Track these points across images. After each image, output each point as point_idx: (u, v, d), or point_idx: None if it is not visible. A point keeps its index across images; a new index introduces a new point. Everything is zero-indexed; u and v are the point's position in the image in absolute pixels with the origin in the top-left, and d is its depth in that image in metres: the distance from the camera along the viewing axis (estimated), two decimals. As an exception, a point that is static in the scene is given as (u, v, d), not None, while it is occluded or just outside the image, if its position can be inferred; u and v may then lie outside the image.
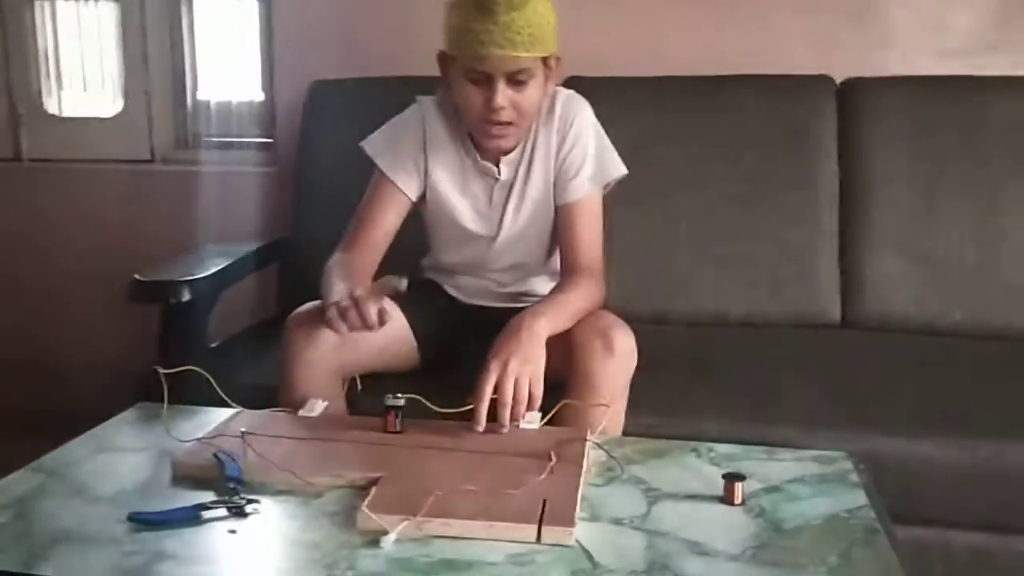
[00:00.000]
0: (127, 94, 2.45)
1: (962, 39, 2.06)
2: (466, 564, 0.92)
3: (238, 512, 1.01)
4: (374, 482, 1.07)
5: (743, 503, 1.07)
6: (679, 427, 1.44)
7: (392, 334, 1.48)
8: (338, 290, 1.32)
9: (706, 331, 1.87)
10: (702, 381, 1.56)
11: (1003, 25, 2.05)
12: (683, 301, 1.92)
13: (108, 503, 1.05)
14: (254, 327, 1.89)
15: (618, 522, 1.03)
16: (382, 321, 1.24)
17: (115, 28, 2.44)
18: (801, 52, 2.07)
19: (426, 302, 1.58)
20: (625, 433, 1.36)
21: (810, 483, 1.14)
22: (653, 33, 2.13)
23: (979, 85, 1.95)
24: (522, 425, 1.25)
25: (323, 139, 2.05)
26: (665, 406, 1.47)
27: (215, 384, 1.24)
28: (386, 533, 0.96)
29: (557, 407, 1.27)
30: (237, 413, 1.29)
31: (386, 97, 1.68)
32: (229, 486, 1.06)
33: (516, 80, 1.37)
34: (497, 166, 1.50)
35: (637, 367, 1.34)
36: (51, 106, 2.52)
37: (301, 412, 1.29)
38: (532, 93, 1.40)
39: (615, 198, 1.61)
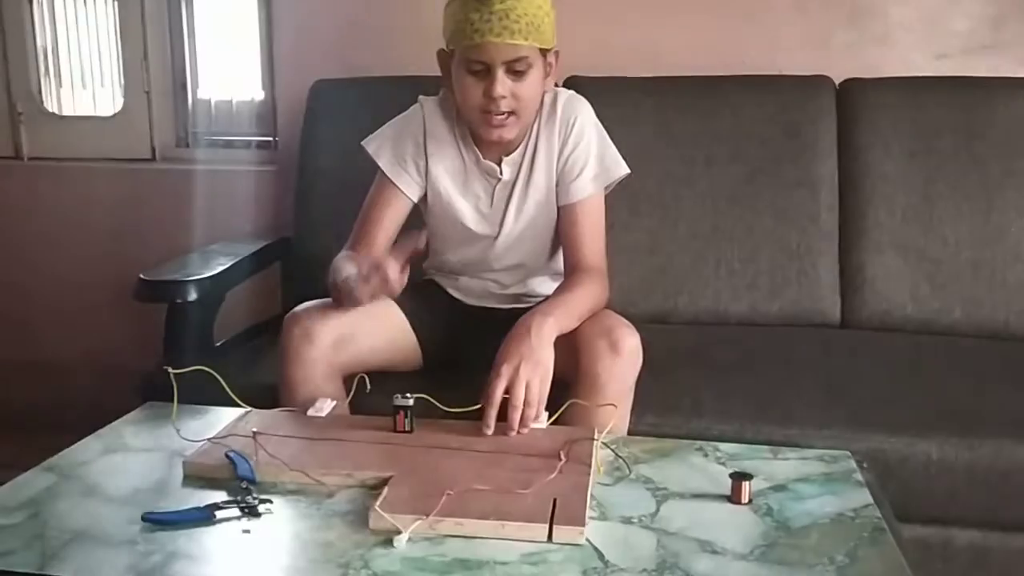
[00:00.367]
0: (127, 92, 2.44)
1: (960, 40, 2.08)
2: (479, 563, 0.94)
3: (251, 512, 1.02)
4: (385, 481, 1.08)
5: (750, 502, 1.08)
6: (682, 427, 1.46)
7: (392, 332, 1.49)
8: (349, 268, 1.32)
9: (707, 331, 1.88)
10: (704, 381, 1.57)
11: (1000, 26, 2.07)
12: (684, 301, 1.93)
13: (121, 503, 1.06)
14: (257, 326, 1.90)
15: (627, 521, 1.04)
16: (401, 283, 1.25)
17: (115, 26, 2.43)
18: (800, 53, 2.08)
19: (428, 303, 1.59)
20: (630, 433, 1.37)
21: (815, 482, 1.15)
22: (653, 34, 2.14)
23: (977, 86, 1.96)
24: (530, 425, 1.26)
25: (325, 138, 2.05)
26: (668, 406, 1.48)
27: (225, 385, 1.25)
28: (399, 532, 0.97)
29: (564, 406, 1.28)
30: (246, 413, 1.30)
31: (389, 97, 1.69)
32: (242, 486, 1.07)
33: (515, 70, 1.38)
34: (499, 166, 1.51)
35: (641, 367, 1.35)
36: (50, 104, 2.51)
37: (310, 412, 1.29)
38: (531, 84, 1.40)
39: (615, 198, 1.62)
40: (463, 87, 1.41)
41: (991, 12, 2.07)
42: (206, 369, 1.23)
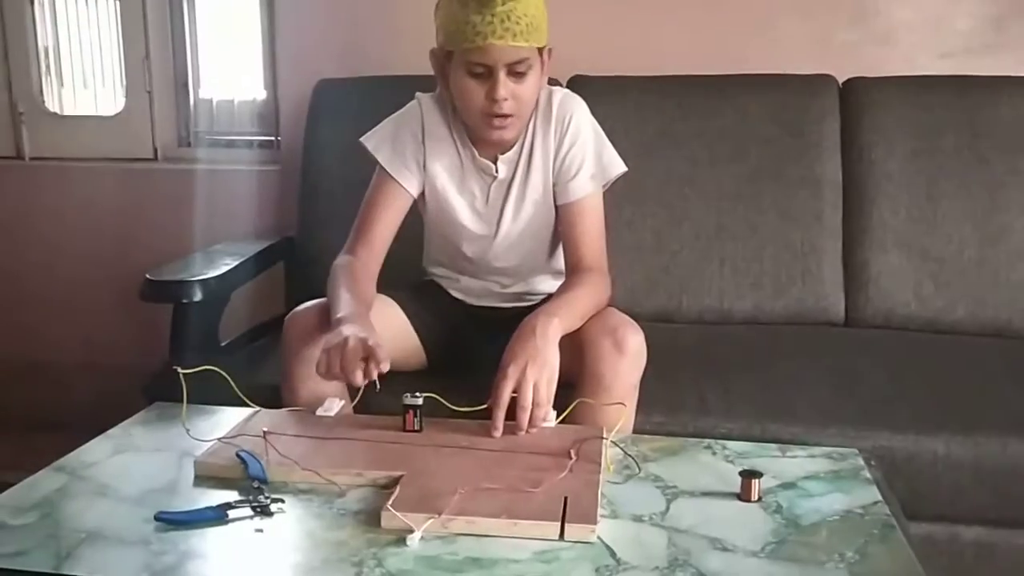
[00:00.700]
0: (129, 92, 2.44)
1: (962, 39, 2.09)
2: (492, 562, 0.94)
3: (263, 511, 1.02)
4: (396, 481, 1.09)
5: (760, 500, 1.09)
6: (689, 425, 1.47)
7: (394, 332, 1.49)
8: (339, 323, 1.29)
9: (711, 330, 1.88)
10: (710, 379, 1.57)
11: (1002, 26, 2.08)
12: (688, 300, 1.94)
13: (133, 503, 1.06)
14: (261, 326, 1.90)
15: (638, 519, 1.04)
16: (369, 375, 1.21)
17: (116, 25, 2.43)
18: (803, 53, 2.09)
19: (429, 304, 1.59)
20: (636, 431, 1.37)
21: (824, 480, 1.15)
22: (656, 33, 2.14)
23: (980, 85, 1.97)
24: (539, 425, 1.26)
25: (329, 138, 2.05)
26: (675, 404, 1.49)
27: (234, 385, 1.25)
28: (411, 531, 0.97)
29: (572, 405, 1.29)
30: (254, 413, 1.30)
31: (392, 96, 1.69)
32: (253, 485, 1.07)
33: (516, 71, 1.37)
34: (495, 164, 1.50)
35: (646, 365, 1.35)
36: (52, 104, 2.51)
37: (319, 411, 1.30)
38: (531, 84, 1.40)
39: (619, 197, 1.63)
40: (464, 89, 1.40)
41: (993, 11, 2.07)
42: (216, 369, 1.23)
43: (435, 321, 1.57)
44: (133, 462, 1.19)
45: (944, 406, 1.50)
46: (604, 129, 1.53)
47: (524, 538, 0.98)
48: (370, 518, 1.02)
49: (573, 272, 1.48)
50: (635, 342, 1.32)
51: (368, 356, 1.22)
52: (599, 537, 0.98)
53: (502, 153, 1.50)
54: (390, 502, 1.01)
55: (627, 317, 1.37)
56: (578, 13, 2.04)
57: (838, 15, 2.11)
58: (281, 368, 1.38)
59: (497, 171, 1.51)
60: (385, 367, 1.21)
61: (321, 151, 2.07)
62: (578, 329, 1.36)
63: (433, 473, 1.10)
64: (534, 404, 1.23)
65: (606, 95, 1.92)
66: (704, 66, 2.04)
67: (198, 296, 1.61)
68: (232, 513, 1.02)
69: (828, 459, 1.22)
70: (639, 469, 1.17)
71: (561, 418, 1.28)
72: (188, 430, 1.20)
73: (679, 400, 1.50)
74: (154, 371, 1.56)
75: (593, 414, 1.29)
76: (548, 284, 1.60)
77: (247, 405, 1.30)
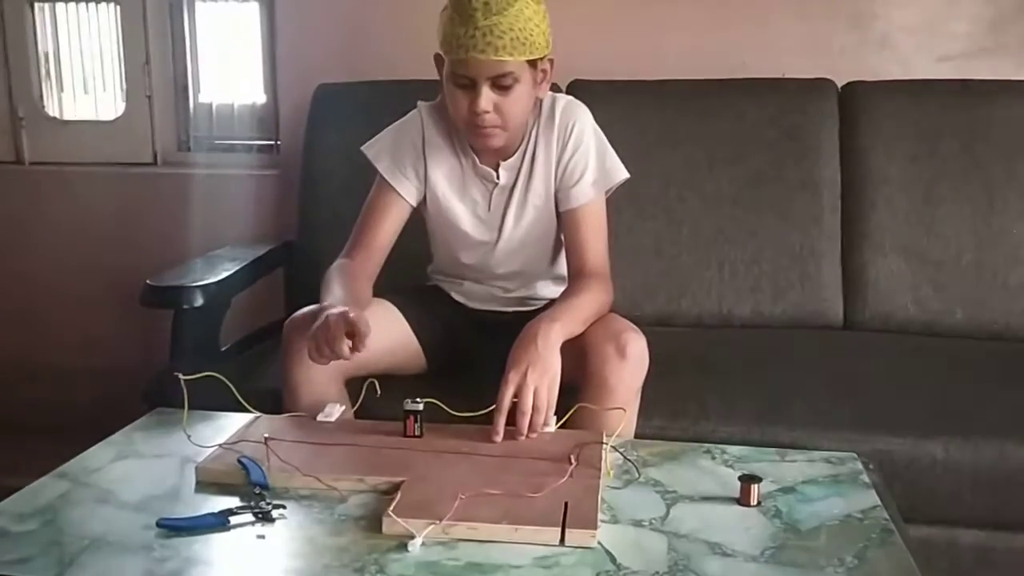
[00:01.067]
0: (129, 97, 2.44)
1: (960, 43, 2.09)
2: (493, 567, 0.94)
3: (265, 518, 1.03)
4: (397, 486, 1.09)
5: (759, 504, 1.09)
6: (689, 430, 1.47)
7: (394, 336, 1.50)
8: (322, 313, 1.30)
9: (710, 333, 1.89)
10: (709, 383, 1.57)
11: (1000, 29, 2.08)
12: (687, 304, 1.94)
13: (135, 509, 1.06)
14: (261, 331, 1.90)
15: (638, 524, 1.05)
16: (357, 348, 1.24)
17: (116, 30, 2.44)
18: (802, 57, 2.09)
19: (430, 308, 1.60)
20: (636, 436, 1.38)
21: (823, 484, 1.16)
22: (656, 37, 2.15)
23: (978, 88, 1.97)
24: (539, 430, 1.27)
25: (329, 142, 2.05)
26: (674, 409, 1.49)
27: (235, 391, 1.25)
28: (412, 537, 0.98)
29: (572, 410, 1.29)
30: (255, 418, 1.30)
31: (392, 101, 1.70)
32: (255, 491, 1.07)
33: (500, 84, 1.38)
34: (496, 171, 1.51)
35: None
36: (52, 109, 2.51)
37: (320, 417, 1.30)
38: (517, 98, 1.40)
39: (618, 201, 1.63)
40: (451, 97, 1.42)
41: (991, 15, 2.08)
42: (217, 375, 1.23)
43: (435, 325, 1.57)
44: (135, 468, 1.19)
45: (942, 410, 1.50)
46: (603, 133, 1.53)
47: (525, 543, 0.98)
48: (371, 524, 1.02)
49: (576, 278, 1.48)
50: (637, 347, 1.33)
51: (351, 331, 1.23)
52: (599, 542, 0.99)
53: (503, 159, 1.51)
54: (391, 508, 1.02)
55: (629, 322, 1.38)
56: (577, 18, 2.04)
57: (837, 19, 2.11)
58: (281, 372, 1.39)
59: (498, 177, 1.51)
60: (367, 332, 1.23)
61: (321, 155, 2.08)
62: (581, 334, 1.37)
63: (434, 479, 1.11)
64: (534, 409, 1.24)
65: (605, 99, 1.91)
66: (703, 70, 2.05)
67: (199, 301, 1.62)
68: (234, 519, 1.02)
69: (827, 463, 1.22)
70: (639, 474, 1.17)
71: (561, 423, 1.28)
72: (189, 436, 1.21)
73: (678, 404, 1.50)
74: (154, 376, 1.56)
75: (594, 419, 1.29)
76: (550, 289, 1.60)
77: (248, 411, 1.31)
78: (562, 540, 0.99)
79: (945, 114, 1.95)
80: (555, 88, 1.85)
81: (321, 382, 1.36)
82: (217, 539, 1.00)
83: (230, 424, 1.29)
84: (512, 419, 1.24)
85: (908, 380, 1.62)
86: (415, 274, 1.72)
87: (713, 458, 1.24)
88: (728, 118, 1.99)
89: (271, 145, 2.43)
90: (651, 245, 1.95)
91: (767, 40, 2.12)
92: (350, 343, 1.23)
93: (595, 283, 1.45)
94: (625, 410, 1.28)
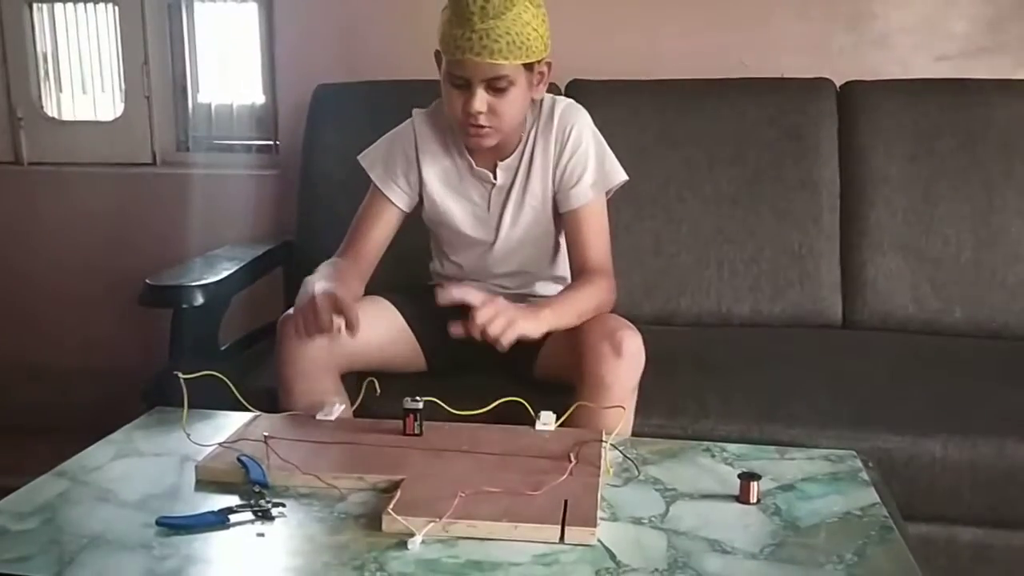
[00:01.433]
0: (127, 97, 2.44)
1: (958, 42, 2.09)
2: (493, 565, 0.94)
3: (265, 516, 1.03)
4: (396, 484, 1.09)
5: (758, 502, 1.10)
6: (688, 428, 1.47)
7: (390, 332, 1.51)
8: (307, 292, 1.33)
9: (710, 332, 1.89)
10: (708, 382, 1.57)
11: (998, 29, 2.09)
12: (686, 303, 1.94)
13: (135, 508, 1.06)
14: (260, 330, 1.90)
15: (638, 522, 1.05)
16: (350, 328, 1.26)
17: (115, 30, 2.44)
18: (801, 56, 2.10)
19: (429, 306, 1.59)
20: (635, 434, 1.38)
21: (822, 482, 1.16)
22: (654, 37, 2.15)
23: (976, 88, 1.97)
24: (538, 427, 1.27)
25: (328, 142, 2.05)
26: (673, 407, 1.49)
27: (235, 390, 1.26)
28: (412, 535, 0.98)
29: (572, 408, 1.29)
30: (255, 417, 1.30)
31: (391, 101, 1.71)
32: (254, 490, 1.07)
33: (495, 87, 1.39)
34: (493, 171, 1.52)
35: (644, 368, 1.36)
36: (51, 110, 2.51)
37: (319, 415, 1.30)
38: (512, 100, 1.41)
39: (617, 201, 1.63)
40: (446, 95, 1.44)
41: (989, 14, 2.08)
42: (216, 374, 1.24)
43: (434, 324, 1.57)
44: (134, 467, 1.19)
45: (941, 408, 1.50)
46: (602, 133, 1.54)
47: (525, 541, 0.98)
48: (371, 522, 1.02)
49: (578, 275, 1.50)
50: (633, 345, 1.33)
51: (339, 310, 1.25)
52: (599, 540, 0.99)
53: (501, 160, 1.52)
54: (391, 506, 1.02)
55: (625, 321, 1.38)
56: (576, 18, 2.04)
57: (835, 19, 2.11)
58: (276, 369, 1.39)
59: (495, 178, 1.52)
60: (353, 313, 1.26)
61: (320, 155, 2.08)
62: (577, 333, 1.37)
63: (434, 477, 1.11)
64: (488, 326, 1.24)
65: (604, 99, 1.93)
66: (702, 70, 2.05)
67: (198, 301, 1.62)
68: (233, 517, 1.02)
69: (826, 461, 1.23)
70: (638, 472, 1.17)
71: (560, 421, 1.28)
72: (189, 435, 1.21)
73: (678, 403, 1.50)
74: (153, 376, 1.56)
75: (592, 417, 1.30)
76: (549, 289, 1.61)
77: (247, 409, 1.31)
78: (562, 538, 0.99)
79: (944, 113, 1.95)
80: (554, 89, 1.86)
81: (315, 376, 1.37)
82: (217, 537, 1.00)
83: (229, 423, 1.29)
84: (513, 419, 1.24)
85: (907, 378, 1.62)
86: (415, 274, 1.72)
87: (712, 456, 1.24)
88: (727, 118, 1.99)
89: (270, 145, 2.43)
90: (650, 244, 1.95)
91: (766, 40, 2.12)
92: (340, 323, 1.26)
93: (596, 279, 1.46)
94: (624, 408, 1.28)
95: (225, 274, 1.73)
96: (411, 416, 1.24)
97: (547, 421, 1.28)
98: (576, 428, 1.28)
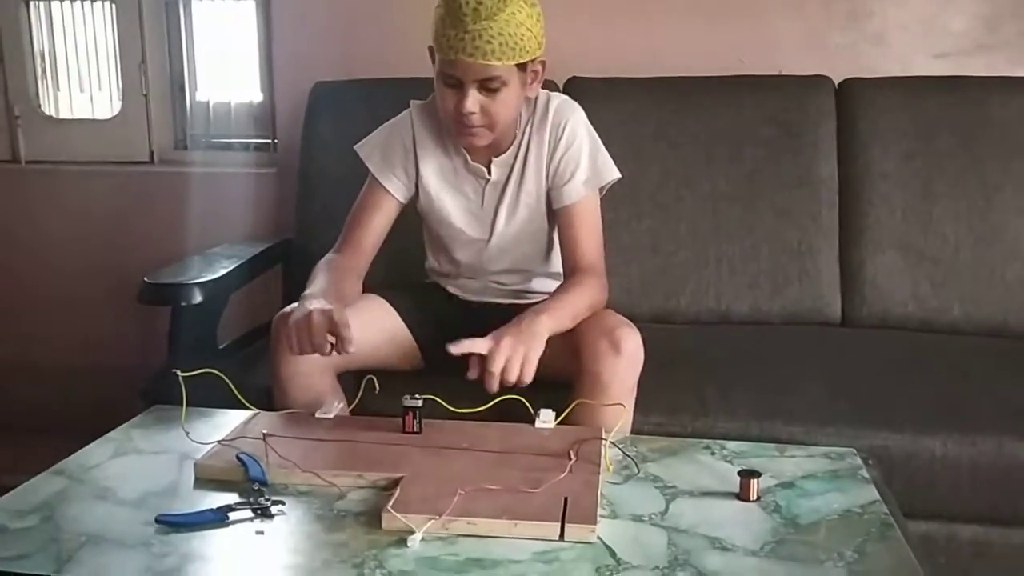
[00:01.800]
0: (125, 95, 2.44)
1: (956, 40, 2.09)
2: (493, 562, 0.94)
3: (264, 513, 1.03)
4: (396, 482, 1.09)
5: (758, 499, 1.10)
6: (688, 426, 1.47)
7: (386, 330, 1.51)
8: (307, 302, 1.32)
9: (708, 330, 1.89)
10: (708, 380, 1.57)
11: (996, 26, 2.08)
12: (685, 300, 1.94)
13: (133, 506, 1.06)
14: (259, 329, 1.89)
15: (638, 519, 1.05)
16: (341, 349, 1.25)
17: (112, 29, 2.43)
18: (799, 53, 2.09)
19: (427, 304, 1.61)
20: (634, 432, 1.38)
21: (822, 479, 1.16)
22: (652, 35, 2.15)
23: (974, 85, 1.97)
24: (537, 425, 1.27)
25: (326, 140, 2.05)
26: (673, 405, 1.49)
27: (234, 388, 1.25)
28: (412, 532, 0.98)
29: (571, 406, 1.29)
30: (254, 415, 1.30)
31: (389, 99, 1.69)
32: (253, 488, 1.07)
33: (487, 87, 1.39)
34: (488, 167, 1.53)
35: (644, 366, 1.36)
36: (48, 108, 2.51)
37: (318, 414, 1.30)
38: (504, 100, 1.41)
39: (615, 199, 1.63)
40: (439, 94, 1.44)
41: (987, 12, 2.08)
42: (215, 372, 1.23)
43: (431, 321, 1.58)
44: (133, 465, 1.19)
45: (941, 405, 1.50)
46: (600, 131, 1.54)
47: (524, 539, 0.98)
48: (371, 519, 1.02)
49: (569, 274, 1.49)
50: (632, 343, 1.33)
51: (334, 330, 1.25)
52: (599, 537, 0.99)
53: (495, 156, 1.52)
54: (391, 503, 1.02)
55: (624, 318, 1.38)
56: (574, 15, 2.04)
57: (833, 16, 2.11)
58: (271, 367, 1.39)
59: (490, 173, 1.53)
60: (348, 335, 1.24)
61: (318, 153, 2.07)
62: (575, 331, 1.37)
63: (433, 474, 1.11)
64: (504, 374, 1.24)
65: (602, 97, 1.93)
66: (700, 67, 2.05)
67: (197, 299, 1.61)
68: (233, 515, 1.02)
69: (826, 459, 1.23)
70: (638, 469, 1.17)
71: (559, 419, 1.28)
72: (188, 433, 1.21)
73: (677, 401, 1.50)
74: (152, 374, 1.56)
75: (592, 415, 1.30)
76: (545, 284, 1.61)
77: (246, 407, 1.31)
78: (562, 535, 0.99)
79: (942, 111, 1.95)
80: (552, 86, 1.85)
81: (311, 375, 1.37)
82: (216, 535, 0.99)
83: (228, 421, 1.29)
84: (511, 416, 1.24)
85: (906, 376, 1.62)
86: (411, 272, 1.72)
87: (712, 453, 1.24)
88: (725, 115, 1.99)
89: (268, 143, 2.43)
90: (649, 242, 1.95)
91: (764, 37, 2.12)
92: (332, 340, 1.25)
93: (588, 279, 1.46)
94: (624, 406, 1.28)
95: (223, 272, 1.72)
96: (410, 414, 1.24)
97: (546, 419, 1.28)
98: (576, 426, 1.28)
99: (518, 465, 1.14)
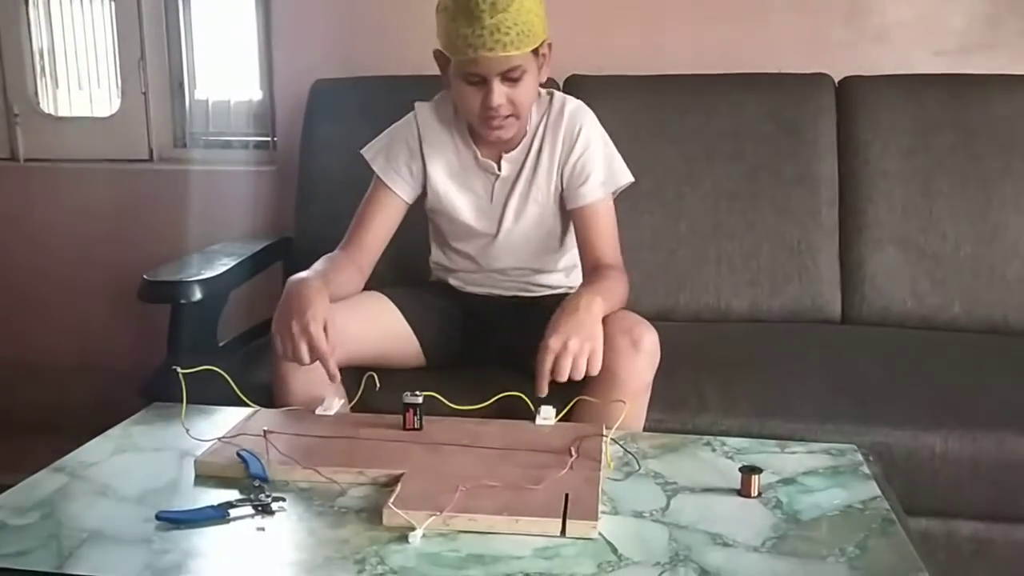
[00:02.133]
0: (124, 93, 2.44)
1: (957, 38, 2.09)
2: (494, 558, 0.94)
3: (265, 510, 1.03)
4: (396, 479, 1.09)
5: (760, 495, 1.09)
6: (688, 422, 1.47)
7: (386, 327, 1.52)
8: (300, 297, 1.33)
9: (709, 327, 1.89)
10: (708, 377, 1.57)
11: (996, 24, 2.08)
12: (685, 298, 1.94)
13: (134, 503, 1.06)
14: (259, 326, 1.89)
15: (639, 515, 1.04)
16: (317, 356, 1.27)
17: (111, 26, 2.43)
18: (799, 51, 2.09)
19: (430, 302, 1.61)
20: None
21: (824, 475, 1.16)
22: (653, 33, 2.15)
23: (974, 83, 1.97)
24: (538, 421, 1.27)
25: (326, 138, 2.05)
26: (673, 402, 1.49)
27: (234, 385, 1.25)
28: (413, 529, 0.97)
29: (571, 404, 1.29)
30: (254, 412, 1.30)
31: (389, 96, 1.70)
32: (254, 484, 1.07)
33: (510, 78, 1.41)
34: (498, 163, 1.53)
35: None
36: (47, 106, 2.51)
37: (318, 411, 1.30)
38: (527, 87, 1.44)
39: (616, 197, 1.62)
40: (461, 95, 1.45)
41: (987, 10, 2.08)
42: (215, 369, 1.23)
43: (433, 319, 1.58)
44: (133, 462, 1.19)
45: (941, 402, 1.50)
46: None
47: (526, 535, 0.98)
48: (372, 516, 1.02)
49: (596, 270, 1.49)
50: (650, 341, 1.34)
51: (321, 359, 1.27)
52: (600, 533, 0.99)
53: (506, 152, 1.54)
54: (392, 500, 1.02)
55: (640, 317, 1.39)
56: (574, 14, 2.04)
57: (833, 14, 2.11)
58: (271, 364, 1.39)
59: (499, 169, 1.54)
60: (327, 352, 1.27)
61: (317, 151, 2.07)
62: None
63: (434, 471, 1.11)
64: (571, 378, 1.24)
65: (603, 95, 1.92)
66: (700, 65, 2.05)
67: (197, 296, 1.61)
68: (233, 512, 1.02)
69: (827, 455, 1.23)
70: (639, 466, 1.17)
71: (560, 416, 1.28)
72: (188, 430, 1.20)
73: (678, 397, 1.50)
74: (151, 372, 1.56)
75: (599, 412, 1.29)
76: (550, 279, 1.62)
77: (246, 405, 1.30)
78: (563, 531, 0.98)
79: (942, 109, 1.95)
80: (552, 84, 1.85)
81: (312, 372, 1.35)
82: (216, 532, 0.99)
83: (228, 418, 1.28)
84: (510, 414, 1.24)
85: (906, 373, 1.61)
86: (414, 269, 1.72)
87: (713, 450, 1.24)
88: (726, 113, 1.99)
89: (267, 141, 2.42)
90: (649, 240, 1.95)
91: (764, 35, 2.12)
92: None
93: (616, 273, 1.47)
94: (625, 402, 1.27)
95: (223, 269, 1.72)
96: (411, 411, 1.23)
97: (547, 416, 1.27)
98: (579, 423, 1.28)
99: (519, 461, 1.14)
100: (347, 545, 0.96)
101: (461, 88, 1.43)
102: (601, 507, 1.04)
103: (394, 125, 1.59)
